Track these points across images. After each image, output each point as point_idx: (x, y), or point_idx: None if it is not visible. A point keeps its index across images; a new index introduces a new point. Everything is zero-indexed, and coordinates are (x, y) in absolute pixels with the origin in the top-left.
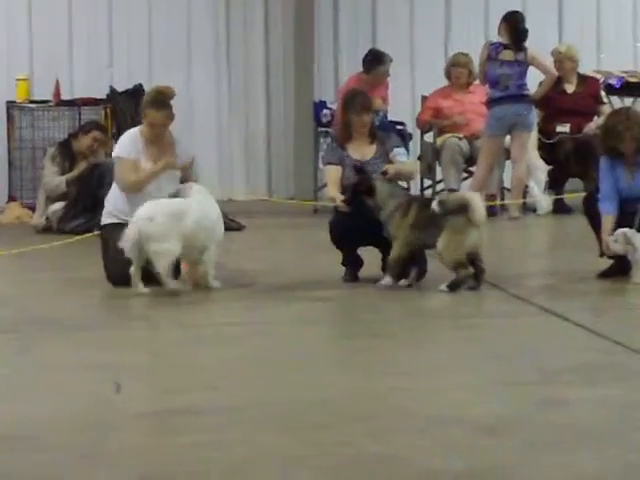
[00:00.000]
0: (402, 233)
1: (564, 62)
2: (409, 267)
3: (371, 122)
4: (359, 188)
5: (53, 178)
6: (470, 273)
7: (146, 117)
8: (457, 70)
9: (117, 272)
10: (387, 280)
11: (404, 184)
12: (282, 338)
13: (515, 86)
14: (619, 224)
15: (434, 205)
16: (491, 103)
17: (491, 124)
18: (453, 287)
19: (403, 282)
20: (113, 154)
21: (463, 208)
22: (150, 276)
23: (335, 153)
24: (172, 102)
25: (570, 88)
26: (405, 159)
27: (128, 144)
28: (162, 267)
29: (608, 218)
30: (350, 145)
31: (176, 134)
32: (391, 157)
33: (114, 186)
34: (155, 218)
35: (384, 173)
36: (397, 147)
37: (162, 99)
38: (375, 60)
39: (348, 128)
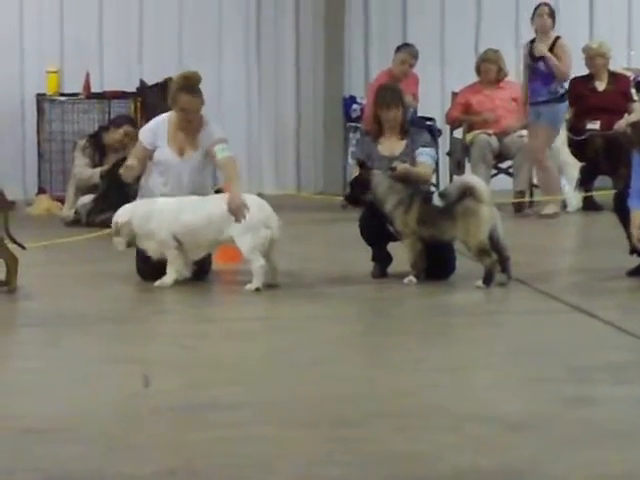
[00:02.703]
0: (409, 230)
1: (595, 59)
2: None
3: (402, 117)
4: (357, 183)
5: (85, 169)
6: (495, 260)
7: (177, 103)
8: (487, 65)
9: (146, 265)
10: (411, 279)
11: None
12: (309, 334)
13: None
14: None
15: (436, 200)
16: (565, 95)
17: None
18: (487, 281)
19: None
20: (140, 130)
21: (466, 192)
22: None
23: (363, 148)
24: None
25: (601, 85)
26: (425, 160)
27: (150, 130)
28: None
29: (638, 213)
30: (381, 140)
31: (206, 115)
32: (415, 155)
33: (147, 172)
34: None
35: (392, 169)
36: (424, 146)
37: (192, 84)
38: (395, 50)
39: (379, 123)
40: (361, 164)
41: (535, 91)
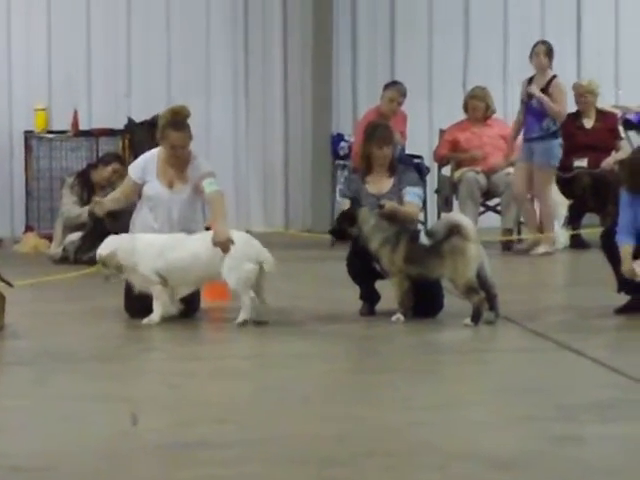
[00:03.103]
0: (396, 269)
1: (585, 96)
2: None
3: (391, 155)
4: (344, 218)
5: (73, 207)
6: (483, 298)
7: (166, 139)
8: (475, 102)
9: (133, 302)
10: (399, 317)
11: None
12: (298, 371)
13: None
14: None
15: (423, 239)
16: (558, 132)
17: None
18: (475, 319)
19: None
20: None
21: (453, 230)
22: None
23: (351, 186)
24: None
25: (589, 123)
26: (412, 199)
27: (139, 165)
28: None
29: (627, 247)
30: (369, 177)
31: (195, 150)
32: (402, 194)
33: (138, 207)
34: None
35: (380, 207)
36: (411, 185)
37: (181, 120)
38: (383, 87)
39: (368, 160)
40: (352, 201)
41: (528, 128)
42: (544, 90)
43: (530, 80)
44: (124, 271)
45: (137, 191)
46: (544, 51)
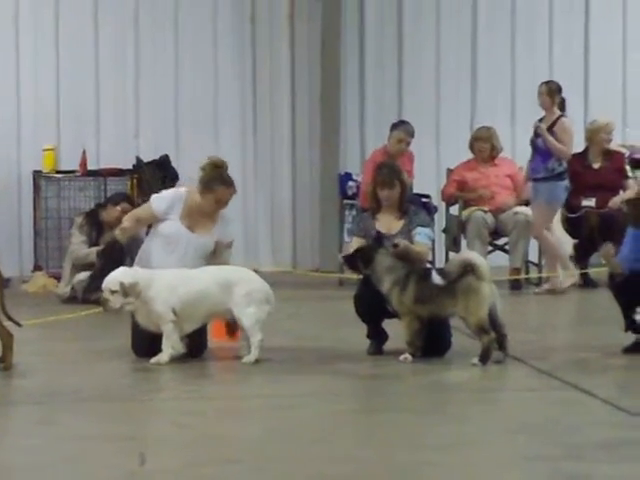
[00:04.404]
0: (405, 309)
1: (600, 135)
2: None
3: (401, 195)
4: (361, 253)
5: (81, 247)
6: (493, 338)
7: (212, 193)
8: (480, 144)
9: (141, 342)
10: (407, 356)
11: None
12: (305, 411)
13: None
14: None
15: (435, 279)
16: (564, 174)
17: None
18: (484, 359)
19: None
20: (153, 195)
21: (467, 269)
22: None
23: (361, 225)
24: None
25: (596, 163)
26: (422, 239)
27: (165, 200)
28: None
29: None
30: (379, 217)
31: (224, 214)
32: (412, 235)
33: (147, 244)
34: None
35: (395, 246)
36: (421, 226)
37: (227, 175)
38: (390, 127)
39: (377, 200)
40: (376, 239)
41: (534, 168)
42: (550, 129)
43: (540, 120)
44: (136, 304)
45: (149, 222)
46: (546, 91)
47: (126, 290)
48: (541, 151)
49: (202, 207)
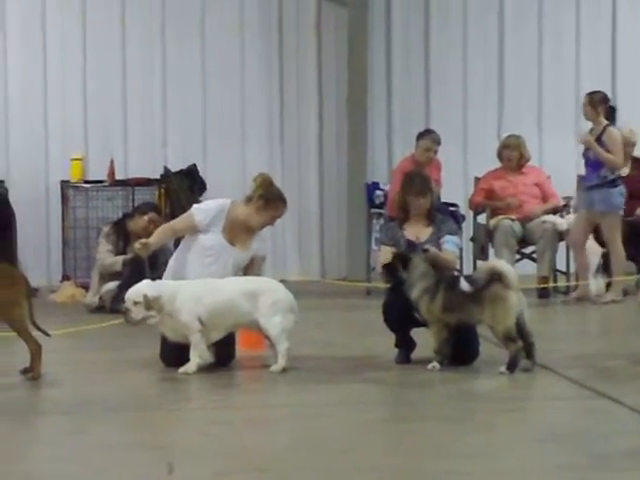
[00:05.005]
0: (434, 317)
1: (626, 146)
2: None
3: (430, 204)
4: (397, 258)
5: (108, 256)
6: (520, 347)
7: (273, 210)
8: (508, 152)
9: (169, 352)
10: (435, 365)
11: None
12: (333, 420)
13: None
14: None
15: (463, 286)
16: (618, 180)
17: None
18: (511, 367)
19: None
20: (194, 206)
21: (494, 277)
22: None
23: (390, 233)
24: (228, 186)
25: (624, 171)
26: (450, 247)
27: (209, 212)
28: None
29: None
30: (407, 225)
31: (262, 231)
32: (440, 243)
33: (180, 255)
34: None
35: (425, 250)
36: (450, 234)
37: (284, 196)
38: (417, 136)
39: (405, 209)
40: (410, 246)
41: (586, 177)
42: (598, 140)
43: (591, 132)
44: (159, 320)
45: (187, 233)
46: (588, 101)
47: (149, 303)
48: (591, 162)
49: (252, 222)
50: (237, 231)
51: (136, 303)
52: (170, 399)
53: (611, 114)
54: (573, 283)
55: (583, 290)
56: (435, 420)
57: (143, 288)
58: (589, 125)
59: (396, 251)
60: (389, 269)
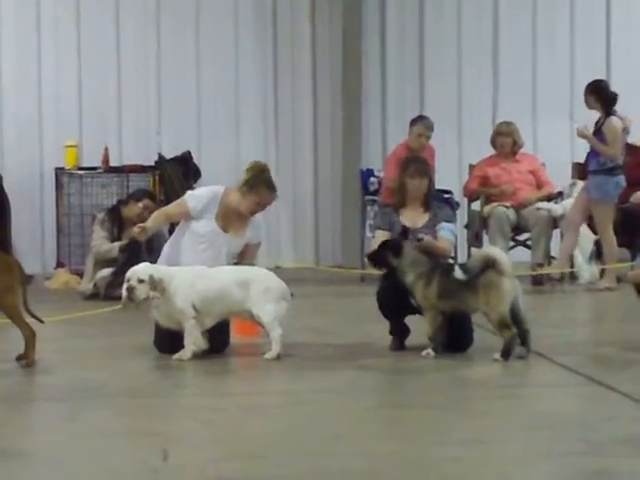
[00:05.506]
0: (429, 303)
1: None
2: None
3: (427, 189)
4: (387, 246)
5: (103, 242)
6: (515, 333)
7: (257, 195)
8: (501, 139)
9: (163, 338)
10: (429, 352)
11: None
12: (328, 407)
13: None
14: None
15: (457, 273)
16: (617, 169)
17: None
18: (505, 354)
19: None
20: (188, 192)
21: (488, 264)
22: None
23: (385, 218)
24: (222, 172)
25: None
26: (446, 234)
27: (202, 200)
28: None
29: None
30: (403, 211)
31: (256, 217)
32: (436, 229)
33: (173, 237)
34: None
35: (419, 240)
36: (446, 221)
37: (273, 182)
38: (410, 122)
39: (402, 193)
40: (403, 233)
41: (588, 162)
42: (599, 129)
43: (597, 122)
44: (157, 302)
45: (180, 219)
46: (586, 91)
47: (154, 283)
48: (593, 148)
49: (241, 207)
50: (230, 218)
51: (141, 281)
52: (165, 386)
53: (612, 101)
54: (564, 270)
55: (553, 271)
56: (429, 407)
57: (148, 268)
58: (585, 113)
59: (383, 241)
60: (375, 257)
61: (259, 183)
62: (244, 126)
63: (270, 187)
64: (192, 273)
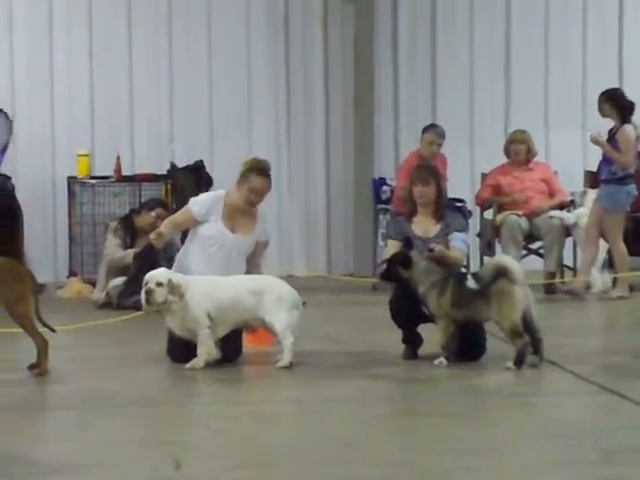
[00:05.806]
0: (442, 312)
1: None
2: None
3: (438, 198)
4: (395, 260)
5: (116, 250)
6: (527, 341)
7: (247, 182)
8: (515, 147)
9: (176, 347)
10: (442, 360)
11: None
12: (340, 416)
13: None
14: None
15: (469, 282)
16: (628, 178)
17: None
18: (518, 363)
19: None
20: (191, 199)
21: (500, 273)
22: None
23: (397, 227)
24: (233, 178)
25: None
26: (458, 244)
27: (203, 204)
28: None
29: None
30: (415, 220)
31: (262, 212)
32: (449, 239)
33: (185, 244)
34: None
35: (430, 250)
36: (458, 231)
37: (264, 167)
38: (422, 130)
39: (413, 201)
40: (406, 242)
41: (600, 170)
42: (613, 137)
43: (610, 130)
44: (172, 310)
45: (188, 226)
46: (600, 99)
47: (173, 287)
48: (605, 156)
49: (237, 200)
50: (235, 217)
51: (159, 284)
52: (177, 395)
53: (629, 110)
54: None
55: (577, 285)
56: (442, 416)
57: (167, 272)
58: (597, 123)
59: (392, 255)
60: (388, 273)
61: (248, 170)
62: (256, 135)
63: (260, 172)
64: (206, 282)
